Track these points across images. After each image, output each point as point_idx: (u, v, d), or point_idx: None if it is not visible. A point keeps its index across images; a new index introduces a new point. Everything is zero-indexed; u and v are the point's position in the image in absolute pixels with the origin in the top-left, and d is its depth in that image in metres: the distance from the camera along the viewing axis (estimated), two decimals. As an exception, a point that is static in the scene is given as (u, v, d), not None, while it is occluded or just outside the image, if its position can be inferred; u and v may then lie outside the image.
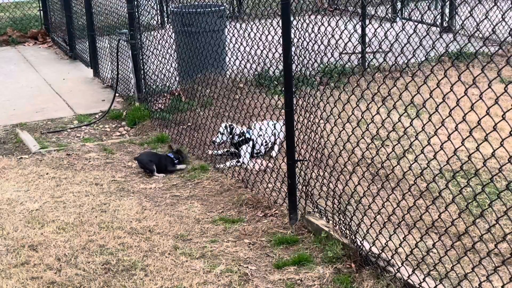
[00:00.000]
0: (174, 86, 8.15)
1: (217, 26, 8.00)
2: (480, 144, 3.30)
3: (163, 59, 7.75)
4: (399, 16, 12.43)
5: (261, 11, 5.80)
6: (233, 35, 6.16)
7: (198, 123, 7.25)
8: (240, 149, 6.56)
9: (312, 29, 4.71)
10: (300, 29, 4.81)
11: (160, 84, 8.08)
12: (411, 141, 3.94)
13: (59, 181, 6.16)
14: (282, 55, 4.91)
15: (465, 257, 3.67)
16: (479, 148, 3.28)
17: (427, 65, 8.37)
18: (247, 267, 4.52)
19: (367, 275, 4.19)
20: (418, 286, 3.85)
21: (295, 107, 4.96)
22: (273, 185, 5.62)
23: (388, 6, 12.75)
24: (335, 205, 4.74)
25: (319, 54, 4.79)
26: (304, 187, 5.08)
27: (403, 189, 4.73)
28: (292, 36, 4.82)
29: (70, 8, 11.29)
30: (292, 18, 4.81)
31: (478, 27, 3.21)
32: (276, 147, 6.70)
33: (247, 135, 6.57)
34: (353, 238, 4.43)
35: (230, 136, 6.58)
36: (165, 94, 8.18)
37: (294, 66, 4.88)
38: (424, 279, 3.86)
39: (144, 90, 8.33)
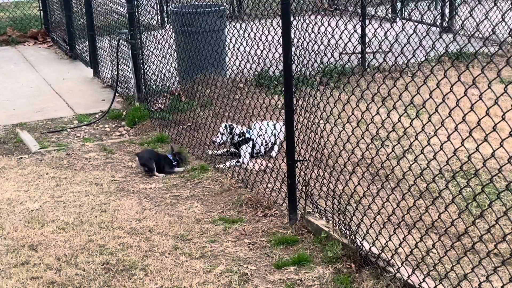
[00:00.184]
0: (174, 86, 8.15)
1: (217, 26, 8.00)
2: (480, 144, 3.30)
3: (163, 59, 7.75)
4: (399, 16, 12.43)
5: (261, 11, 5.80)
6: (233, 35, 6.16)
7: (198, 123, 7.25)
8: (240, 149, 6.56)
9: (312, 29, 4.71)
10: (300, 29, 4.81)
11: (160, 84, 8.08)
12: (411, 141, 3.94)
13: (59, 181, 6.17)
14: (282, 55, 4.91)
15: (465, 258, 3.67)
16: (479, 149, 3.28)
17: (427, 65, 8.37)
18: (247, 267, 4.52)
19: (367, 275, 4.19)
20: (418, 286, 3.85)
21: (295, 107, 4.96)
22: (273, 185, 5.62)
23: (388, 6, 12.75)
24: (335, 205, 4.74)
25: (319, 54, 4.79)
26: (304, 187, 5.08)
27: (403, 189, 4.73)
28: (292, 36, 4.82)
29: (70, 8, 11.29)
30: (292, 18, 4.81)
31: (478, 27, 3.21)
32: (276, 147, 6.70)
33: (247, 135, 6.57)
34: (353, 238, 4.43)
35: (230, 136, 6.58)
36: (165, 94, 8.18)
37: (294, 66, 4.89)
38: (424, 279, 3.86)
39: (144, 90, 8.33)
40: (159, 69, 7.93)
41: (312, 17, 4.84)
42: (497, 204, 4.90)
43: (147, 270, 4.46)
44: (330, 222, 4.81)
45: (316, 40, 4.71)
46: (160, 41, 7.79)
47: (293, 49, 4.84)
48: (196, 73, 7.80)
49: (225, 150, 6.79)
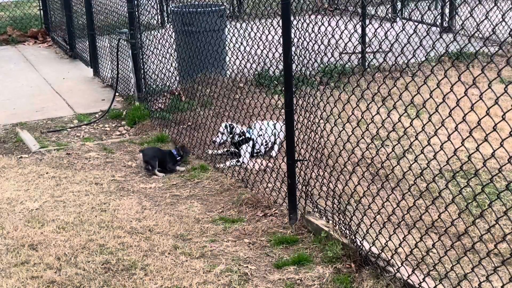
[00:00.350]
0: (174, 86, 8.15)
1: (217, 26, 8.00)
2: (480, 144, 3.30)
3: (163, 58, 7.75)
4: (399, 16, 12.43)
5: (261, 11, 5.80)
6: (233, 35, 6.16)
7: (198, 123, 7.25)
8: (240, 148, 6.56)
9: (312, 29, 4.71)
10: (300, 29, 4.81)
11: (160, 84, 8.08)
12: (411, 141, 3.94)
13: (59, 181, 6.17)
14: (282, 55, 4.91)
15: (464, 257, 3.67)
16: (479, 148, 3.28)
17: (427, 65, 8.37)
18: (247, 266, 4.52)
19: (366, 275, 4.19)
20: (418, 286, 3.86)
21: (295, 107, 4.96)
22: (273, 185, 5.62)
23: (388, 6, 12.75)
24: (335, 205, 4.74)
25: (319, 54, 4.79)
26: (304, 187, 5.08)
27: (403, 189, 4.73)
28: (292, 36, 4.82)
29: (70, 8, 11.29)
30: (292, 18, 4.81)
31: (478, 28, 3.21)
32: (276, 147, 6.70)
33: (247, 135, 6.57)
34: (353, 238, 4.43)
35: (231, 135, 6.58)
36: (165, 94, 8.18)
37: (294, 66, 4.89)
38: (424, 279, 3.86)
39: (144, 89, 8.33)
40: (159, 68, 7.93)
41: (312, 17, 4.84)
42: (497, 204, 4.90)
43: (147, 269, 4.46)
44: (330, 222, 4.81)
45: (316, 40, 4.71)
46: (160, 41, 7.79)
47: (293, 48, 4.84)
48: (196, 73, 7.80)
49: (225, 149, 6.80)
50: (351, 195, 4.51)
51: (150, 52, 8.05)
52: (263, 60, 5.70)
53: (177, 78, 8.13)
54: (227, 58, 6.90)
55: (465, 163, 3.68)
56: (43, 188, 5.96)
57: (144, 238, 4.94)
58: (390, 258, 4.14)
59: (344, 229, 4.59)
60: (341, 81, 7.47)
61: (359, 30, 8.41)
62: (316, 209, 5.00)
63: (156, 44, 7.90)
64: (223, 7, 8.97)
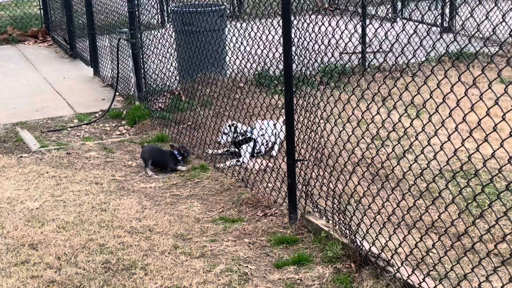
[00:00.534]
0: (174, 86, 8.16)
1: (217, 26, 8.00)
2: (480, 144, 3.30)
3: (163, 58, 7.75)
4: (399, 16, 12.43)
5: (262, 11, 5.80)
6: (234, 35, 6.16)
7: (198, 123, 7.25)
8: (240, 148, 6.56)
9: (312, 29, 4.71)
10: (300, 29, 4.81)
11: (160, 83, 8.08)
12: (411, 141, 3.94)
13: (59, 180, 6.17)
14: (282, 54, 4.91)
15: (464, 258, 3.67)
16: (479, 149, 3.29)
17: (427, 65, 8.37)
18: (247, 266, 4.53)
19: (366, 275, 4.19)
20: (418, 286, 3.86)
21: (295, 107, 4.97)
22: (273, 184, 5.62)
23: (388, 6, 12.75)
24: (335, 205, 4.74)
25: (319, 54, 4.79)
26: (304, 187, 5.08)
27: (403, 189, 4.73)
28: (293, 35, 4.82)
29: (71, 7, 11.29)
30: (292, 18, 4.81)
31: (478, 28, 3.21)
32: (276, 147, 6.70)
33: (248, 134, 6.57)
34: (353, 238, 4.43)
35: (234, 135, 6.58)
36: (165, 94, 8.19)
37: (294, 66, 4.89)
38: (423, 279, 3.86)
39: (144, 89, 8.33)
40: (159, 68, 7.93)
41: (313, 16, 4.84)
42: (497, 204, 4.90)
43: (147, 269, 4.46)
44: (330, 221, 4.81)
45: (316, 39, 4.71)
46: (161, 41, 7.79)
47: (293, 48, 4.84)
48: (196, 73, 7.80)
49: (225, 149, 6.80)
50: (351, 195, 4.51)
51: (150, 52, 8.05)
52: (263, 60, 5.70)
53: (177, 78, 8.13)
54: (227, 58, 6.90)
55: (465, 163, 3.68)
56: (43, 188, 5.96)
57: (144, 237, 4.94)
58: (390, 258, 4.15)
59: (344, 229, 4.59)
60: (341, 81, 7.47)
61: (359, 30, 8.41)
62: (316, 209, 5.01)
63: (156, 43, 7.90)
64: (223, 6, 8.97)
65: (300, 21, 4.82)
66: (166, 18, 11.44)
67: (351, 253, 4.41)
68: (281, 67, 5.08)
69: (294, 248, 4.76)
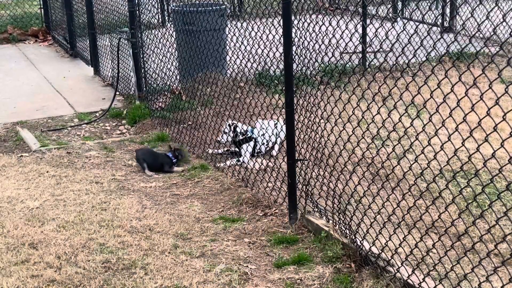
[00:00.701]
0: (174, 85, 8.16)
1: (218, 25, 8.00)
2: (480, 144, 3.30)
3: (163, 57, 7.75)
4: (400, 16, 12.43)
5: (262, 10, 5.80)
6: (234, 34, 6.16)
7: (199, 122, 7.25)
8: (240, 148, 6.56)
9: (313, 28, 4.70)
10: (301, 29, 4.81)
11: (160, 83, 8.08)
12: (412, 141, 3.94)
13: (59, 179, 6.17)
14: (283, 54, 4.91)
15: (465, 258, 3.67)
16: (480, 149, 3.29)
17: (427, 65, 8.37)
18: (247, 266, 4.52)
19: (366, 275, 4.19)
20: (418, 286, 3.86)
21: (295, 107, 4.96)
22: (273, 184, 5.62)
23: (389, 6, 12.74)
24: (335, 205, 4.74)
25: (320, 53, 4.79)
26: (304, 187, 5.08)
27: (403, 189, 4.73)
28: (293, 35, 4.82)
29: (71, 6, 11.29)
30: (293, 18, 4.81)
31: (479, 28, 3.21)
32: (276, 147, 6.70)
33: (249, 134, 6.57)
34: (353, 237, 4.43)
35: (234, 134, 6.58)
36: (166, 93, 8.19)
37: (294, 66, 4.88)
38: (423, 279, 3.86)
39: (144, 88, 8.33)
40: (159, 67, 7.93)
41: (313, 16, 4.84)
42: (497, 204, 4.91)
43: (147, 268, 4.46)
44: (330, 221, 4.81)
45: (317, 39, 4.71)
46: (161, 40, 7.79)
47: (294, 48, 4.84)
48: (197, 72, 7.80)
49: (225, 149, 6.80)
50: (351, 195, 4.51)
51: (151, 51, 8.05)
52: (264, 59, 5.70)
53: (178, 77, 8.13)
54: (228, 58, 6.90)
55: (466, 163, 3.68)
56: (43, 187, 5.96)
57: (144, 237, 4.94)
58: (390, 258, 4.14)
59: (344, 229, 4.59)
60: (341, 80, 7.47)
61: (360, 30, 8.41)
62: (316, 209, 5.01)
63: (156, 43, 7.90)
64: (224, 6, 8.97)
65: (300, 21, 4.82)
66: (166, 18, 11.44)
67: (351, 253, 4.41)
68: (281, 66, 5.08)
69: (294, 248, 4.76)
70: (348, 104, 4.50)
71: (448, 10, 12.29)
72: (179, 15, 8.79)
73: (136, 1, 7.96)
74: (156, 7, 8.48)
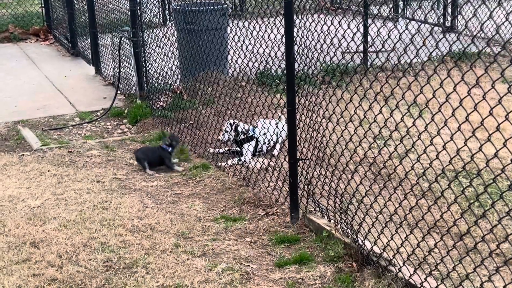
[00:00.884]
0: (176, 84, 8.15)
1: (219, 24, 8.00)
2: (482, 144, 3.30)
3: (165, 57, 7.75)
4: (401, 15, 12.42)
5: (264, 10, 5.79)
6: (236, 34, 6.16)
7: (200, 121, 7.25)
8: (242, 147, 6.56)
9: (315, 28, 4.70)
10: (302, 28, 4.80)
11: (162, 82, 8.08)
12: (414, 140, 3.94)
13: (60, 178, 6.17)
14: (284, 53, 4.90)
15: (467, 257, 3.67)
16: (482, 148, 3.28)
17: (429, 65, 8.37)
18: (249, 265, 4.52)
19: (368, 275, 4.19)
20: (420, 286, 3.85)
21: (297, 106, 4.96)
22: (275, 183, 5.62)
23: (391, 5, 12.73)
24: (336, 204, 4.74)
25: (321, 53, 4.79)
26: (305, 186, 5.08)
27: (405, 188, 4.72)
28: (295, 34, 4.82)
29: (72, 5, 11.29)
30: (294, 17, 4.81)
31: (482, 28, 3.20)
32: (278, 146, 6.70)
33: (250, 133, 6.56)
34: (355, 237, 4.43)
35: (235, 133, 6.57)
36: (167, 92, 8.19)
37: (296, 65, 4.88)
38: (425, 279, 3.86)
39: (145, 88, 8.33)
40: (161, 67, 7.93)
41: (315, 16, 4.83)
42: (499, 204, 4.90)
43: (148, 268, 4.46)
44: (332, 221, 4.81)
45: (318, 39, 4.71)
46: (162, 39, 7.79)
47: (295, 47, 4.84)
48: (198, 71, 7.80)
49: (227, 148, 6.79)
50: (353, 195, 4.51)
51: (152, 51, 8.05)
52: (265, 59, 5.70)
53: (179, 77, 8.13)
54: (229, 57, 6.89)
55: (468, 163, 3.67)
56: (44, 186, 5.96)
57: (146, 236, 4.94)
58: (392, 257, 4.14)
59: (345, 229, 4.59)
60: (343, 80, 7.47)
61: (362, 29, 8.40)
62: (318, 208, 5.00)
63: (158, 42, 7.90)
64: (226, 5, 8.97)
65: (302, 20, 4.81)
66: (168, 17, 11.44)
67: (352, 253, 4.41)
68: (283, 66, 5.08)
69: (295, 247, 4.76)
70: (350, 103, 4.49)
71: (449, 10, 12.29)
72: (180, 14, 8.79)
73: (138, 0, 7.96)
74: (158, 6, 8.48)
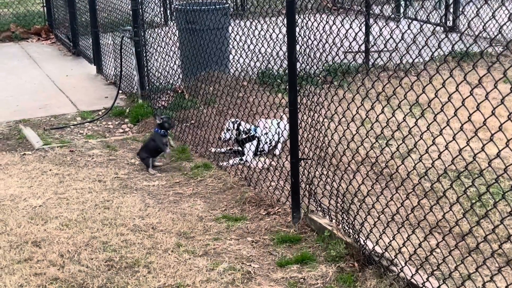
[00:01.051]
0: (177, 84, 8.15)
1: (221, 24, 7.99)
2: (485, 144, 3.29)
3: (166, 56, 7.75)
4: (403, 15, 12.41)
5: (266, 9, 5.79)
6: (237, 33, 6.16)
7: (201, 121, 7.25)
8: (243, 147, 6.56)
9: (317, 27, 4.70)
10: (305, 28, 4.80)
11: (163, 82, 8.08)
12: (416, 140, 3.93)
13: (62, 178, 6.17)
14: (286, 53, 4.90)
15: (469, 257, 3.67)
16: (484, 148, 3.28)
17: (431, 65, 8.36)
18: (250, 265, 4.52)
19: (370, 274, 4.19)
20: (421, 285, 3.85)
21: (299, 106, 4.96)
22: (276, 183, 5.62)
23: (393, 5, 12.72)
24: (338, 204, 4.73)
25: (323, 52, 4.79)
26: (307, 186, 5.08)
27: (407, 188, 4.71)
28: (297, 34, 4.81)
29: (74, 5, 11.29)
30: (297, 17, 4.80)
31: (484, 27, 3.20)
32: (279, 146, 6.70)
33: (252, 133, 6.56)
34: (357, 237, 4.42)
35: (237, 133, 6.57)
36: (168, 92, 8.18)
37: (298, 65, 4.88)
38: (427, 279, 3.85)
39: (147, 87, 8.33)
40: (162, 66, 7.93)
41: (317, 15, 4.83)
42: (501, 204, 4.90)
43: (150, 267, 4.46)
44: (334, 221, 4.81)
45: (321, 38, 4.71)
46: (164, 39, 7.78)
47: (297, 47, 4.83)
48: (200, 71, 7.79)
49: (228, 148, 6.79)
50: (355, 194, 4.50)
51: (154, 50, 8.05)
52: (267, 58, 5.70)
53: (181, 76, 8.13)
54: (231, 56, 6.89)
55: (470, 163, 3.67)
56: (46, 185, 5.96)
57: (147, 235, 4.94)
58: (393, 257, 4.14)
59: (347, 228, 4.59)
60: (345, 80, 7.47)
61: (364, 29, 8.40)
62: (320, 208, 5.00)
63: (159, 41, 7.90)
64: (227, 5, 8.97)
65: (304, 20, 4.81)
66: (169, 16, 11.44)
67: (354, 252, 4.40)
68: (285, 65, 5.07)
69: (297, 247, 4.76)
70: (352, 103, 4.49)
71: (451, 10, 12.28)
72: (182, 13, 8.79)
73: (139, -1, 7.97)
74: (159, 5, 8.48)
